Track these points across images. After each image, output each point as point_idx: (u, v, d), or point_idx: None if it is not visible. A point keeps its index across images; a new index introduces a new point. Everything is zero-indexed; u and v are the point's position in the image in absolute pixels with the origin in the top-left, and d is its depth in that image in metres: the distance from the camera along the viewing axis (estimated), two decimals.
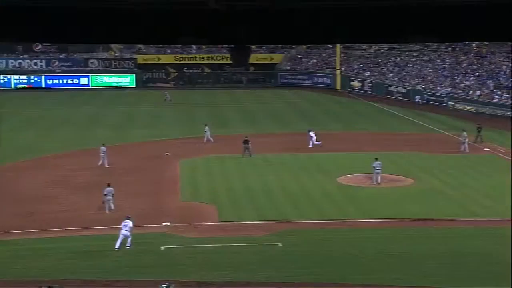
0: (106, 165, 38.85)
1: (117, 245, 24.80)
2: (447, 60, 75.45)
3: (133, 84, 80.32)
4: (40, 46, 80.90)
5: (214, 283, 21.94)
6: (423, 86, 70.86)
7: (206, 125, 47.29)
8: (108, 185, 29.83)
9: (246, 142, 41.60)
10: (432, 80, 72.02)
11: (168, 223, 28.01)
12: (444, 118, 59.07)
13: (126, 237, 25.04)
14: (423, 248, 25.16)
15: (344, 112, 63.53)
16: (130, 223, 25.30)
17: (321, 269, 23.33)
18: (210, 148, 44.66)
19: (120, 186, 32.47)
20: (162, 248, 25.19)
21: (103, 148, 39.51)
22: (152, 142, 47.51)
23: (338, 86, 78.93)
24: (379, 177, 34.76)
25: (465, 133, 43.65)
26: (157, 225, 27.92)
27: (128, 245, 24.98)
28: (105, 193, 29.43)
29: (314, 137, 44.49)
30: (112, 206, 29.46)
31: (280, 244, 25.59)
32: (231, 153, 42.82)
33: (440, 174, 37.59)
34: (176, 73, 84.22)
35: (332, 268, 23.37)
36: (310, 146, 44.03)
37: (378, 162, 35.10)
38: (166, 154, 42.76)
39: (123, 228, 25.10)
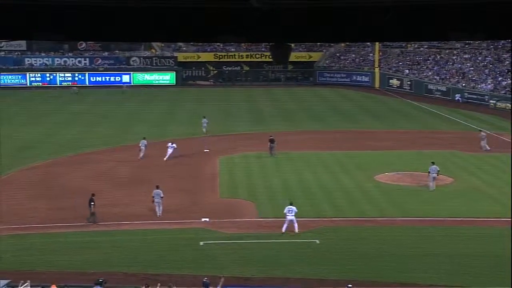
0: (140, 157, 39.93)
1: (283, 229, 25.91)
2: (489, 58, 73.92)
3: (173, 82, 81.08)
4: (84, 45, 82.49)
5: (251, 279, 22.01)
6: (463, 84, 69.62)
7: (204, 117, 48.46)
8: (157, 187, 29.28)
9: (271, 141, 41.17)
10: (473, 78, 70.68)
11: (207, 219, 28.21)
12: (485, 117, 57.93)
13: (291, 222, 26.03)
14: (462, 247, 24.77)
15: (383, 110, 62.87)
16: (294, 208, 26.34)
17: (358, 266, 23.18)
18: (248, 145, 44.75)
19: (160, 182, 32.82)
20: (201, 243, 25.40)
21: (144, 142, 40.61)
22: (191, 138, 47.86)
23: (377, 84, 78.19)
24: (432, 182, 32.69)
25: (483, 133, 43.43)
26: (196, 221, 28.17)
27: (296, 230, 25.86)
28: (153, 195, 28.94)
29: (172, 150, 39.77)
30: (160, 211, 28.69)
31: (317, 241, 25.53)
32: (268, 151, 42.78)
33: (480, 173, 36.90)
34: (216, 71, 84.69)
35: (369, 266, 23.19)
36: (166, 158, 39.42)
37: (434, 166, 32.94)
38: (205, 150, 43.04)
39: (288, 213, 26.14)
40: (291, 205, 26.70)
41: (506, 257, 23.08)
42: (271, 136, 41.80)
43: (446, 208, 29.96)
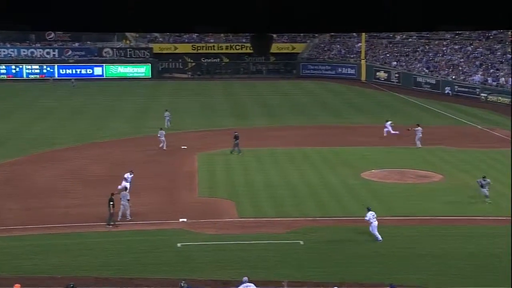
0: (164, 148, 41.86)
1: (379, 237, 25.44)
2: (480, 49, 74.61)
3: (149, 75, 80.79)
4: (52, 35, 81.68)
5: (231, 282, 22.02)
6: (453, 77, 70.25)
7: (167, 110, 50.26)
8: (126, 189, 29.28)
9: (236, 137, 41.00)
10: (464, 70, 71.31)
11: (185, 219, 28.17)
12: (476, 110, 58.53)
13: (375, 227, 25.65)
14: (451, 247, 25.02)
15: (370, 104, 63.21)
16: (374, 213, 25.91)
17: (344, 268, 23.32)
18: (228, 141, 44.63)
19: (135, 181, 32.66)
20: (178, 245, 25.36)
21: (162, 132, 42.43)
22: (168, 134, 47.71)
23: (363, 77, 78.58)
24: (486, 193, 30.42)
25: (420, 127, 43.09)
26: (173, 221, 28.12)
27: (380, 238, 25.56)
28: (120, 197, 28.65)
29: (126, 185, 30.97)
30: (128, 214, 28.18)
31: (301, 242, 25.62)
32: (250, 147, 42.86)
33: (471, 169, 37.26)
34: (194, 63, 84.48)
35: (356, 268, 23.34)
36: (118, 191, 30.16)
37: (486, 180, 30.47)
38: (183, 147, 42.97)
39: (373, 219, 25.62)
40: (369, 210, 26.00)
41: (496, 257, 23.41)
42: (235, 132, 41.74)
43: (435, 206, 30.23)
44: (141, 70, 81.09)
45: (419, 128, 43.17)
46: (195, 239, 26.05)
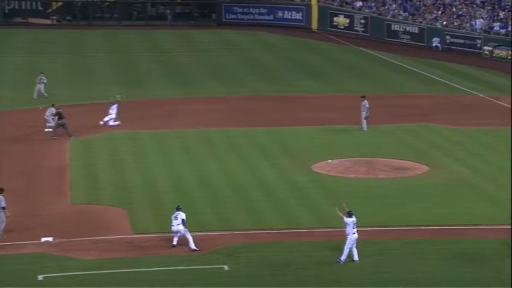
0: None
1: (355, 256, 25.86)
2: None
3: None
4: None
5: None
6: (444, 23, 71.65)
7: (42, 73, 51.45)
8: (0, 191, 28.73)
9: (59, 116, 41.51)
10: (459, 13, 72.84)
11: (50, 239, 27.94)
12: (476, 71, 59.97)
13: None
14: (442, 270, 25.69)
15: (324, 64, 63.87)
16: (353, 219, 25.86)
17: None
18: (119, 120, 44.43)
19: None
20: (40, 277, 25.14)
21: (52, 109, 42.39)
22: (23, 110, 47.13)
23: (315, 25, 79.22)
24: None
25: (365, 101, 42.79)
26: (33, 242, 27.84)
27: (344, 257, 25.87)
28: None
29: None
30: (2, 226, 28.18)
31: (225, 267, 25.86)
32: (148, 129, 42.67)
33: (467, 157, 38.23)
34: (61, 3, 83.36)
35: None
36: None
37: None
38: (47, 130, 42.55)
39: (354, 230, 25.67)
40: (351, 215, 25.98)
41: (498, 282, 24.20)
42: (59, 109, 42.21)
43: (416, 211, 30.84)
44: None
45: (364, 101, 42.66)
46: (66, 267, 25.84)
